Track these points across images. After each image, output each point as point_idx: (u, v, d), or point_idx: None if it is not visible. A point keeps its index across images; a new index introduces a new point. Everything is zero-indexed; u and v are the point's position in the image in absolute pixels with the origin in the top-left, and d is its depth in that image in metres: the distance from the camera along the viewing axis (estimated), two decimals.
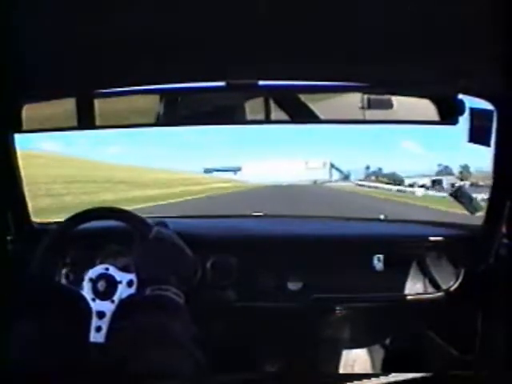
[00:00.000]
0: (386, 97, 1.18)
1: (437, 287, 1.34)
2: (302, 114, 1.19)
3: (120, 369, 0.63)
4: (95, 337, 0.84)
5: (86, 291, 0.87)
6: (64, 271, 0.90)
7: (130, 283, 0.88)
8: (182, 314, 0.77)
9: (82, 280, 0.88)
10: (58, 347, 0.77)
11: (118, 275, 0.89)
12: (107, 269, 0.89)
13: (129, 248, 1.17)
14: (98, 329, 0.84)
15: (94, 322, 0.85)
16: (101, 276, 0.88)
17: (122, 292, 0.88)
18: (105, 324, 0.85)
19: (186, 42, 0.82)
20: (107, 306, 0.86)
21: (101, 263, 0.93)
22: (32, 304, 0.84)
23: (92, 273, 0.89)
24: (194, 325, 0.74)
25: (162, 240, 0.93)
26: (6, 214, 1.27)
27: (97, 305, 0.86)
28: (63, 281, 0.89)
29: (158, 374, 0.63)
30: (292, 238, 1.43)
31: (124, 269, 0.91)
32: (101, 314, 0.85)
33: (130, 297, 0.87)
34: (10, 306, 0.79)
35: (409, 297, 1.34)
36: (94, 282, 0.88)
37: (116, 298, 0.87)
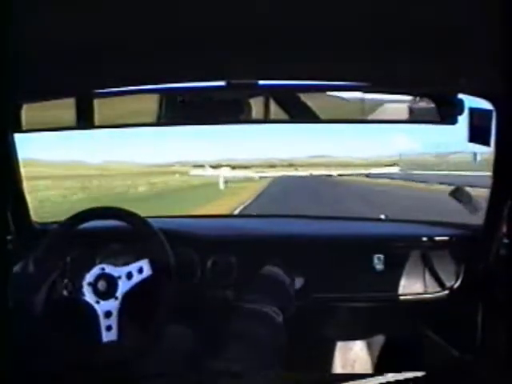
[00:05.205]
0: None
1: (437, 287, 1.34)
2: (302, 114, 1.20)
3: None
4: (107, 336, 0.85)
5: (88, 296, 0.88)
6: (64, 282, 0.90)
7: (128, 275, 0.89)
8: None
9: (82, 287, 0.88)
10: (68, 353, 0.78)
11: (115, 271, 0.89)
12: (103, 269, 0.90)
13: (128, 246, 1.17)
14: (109, 328, 0.85)
15: (103, 322, 0.85)
16: (99, 277, 0.89)
17: (123, 286, 0.88)
18: (114, 322, 0.85)
19: (185, 41, 0.82)
20: (112, 304, 0.87)
21: (99, 263, 0.94)
22: (33, 306, 0.84)
23: (89, 277, 0.89)
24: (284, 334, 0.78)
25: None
26: (6, 214, 1.27)
27: (102, 306, 0.87)
28: (63, 291, 0.89)
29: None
30: (292, 238, 1.43)
31: (122, 264, 0.91)
32: (108, 314, 0.86)
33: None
34: (10, 306, 0.79)
35: (409, 296, 1.34)
36: (93, 285, 0.88)
37: (119, 294, 0.87)
